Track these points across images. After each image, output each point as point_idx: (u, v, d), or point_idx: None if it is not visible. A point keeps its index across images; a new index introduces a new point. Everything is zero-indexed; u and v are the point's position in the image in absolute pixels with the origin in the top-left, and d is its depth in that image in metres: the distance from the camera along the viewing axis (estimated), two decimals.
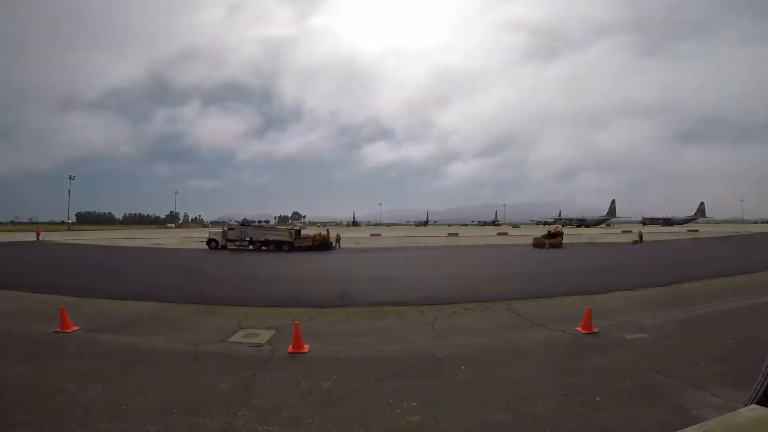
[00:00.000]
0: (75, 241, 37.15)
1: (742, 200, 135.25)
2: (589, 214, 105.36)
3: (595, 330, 6.49)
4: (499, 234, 56.20)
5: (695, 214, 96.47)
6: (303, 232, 30.34)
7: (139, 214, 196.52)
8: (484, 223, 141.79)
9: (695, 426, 1.02)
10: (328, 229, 32.87)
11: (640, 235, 34.53)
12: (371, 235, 51.13)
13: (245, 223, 33.76)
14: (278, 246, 26.96)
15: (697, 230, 60.07)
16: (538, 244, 28.84)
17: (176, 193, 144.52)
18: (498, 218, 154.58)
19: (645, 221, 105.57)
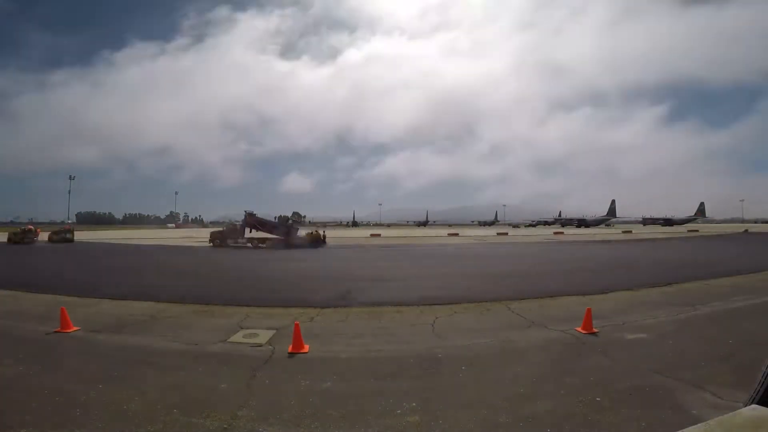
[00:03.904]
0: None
1: (742, 200, 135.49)
2: (589, 214, 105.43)
3: (595, 330, 6.49)
4: (499, 234, 56.23)
5: (695, 214, 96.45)
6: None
7: (138, 214, 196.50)
8: (484, 223, 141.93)
9: (695, 426, 1.02)
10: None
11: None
12: (371, 235, 51.16)
13: None
14: None
15: (697, 230, 60.12)
16: None
17: (176, 193, 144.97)
18: (498, 218, 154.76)
19: (645, 221, 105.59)
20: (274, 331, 6.70)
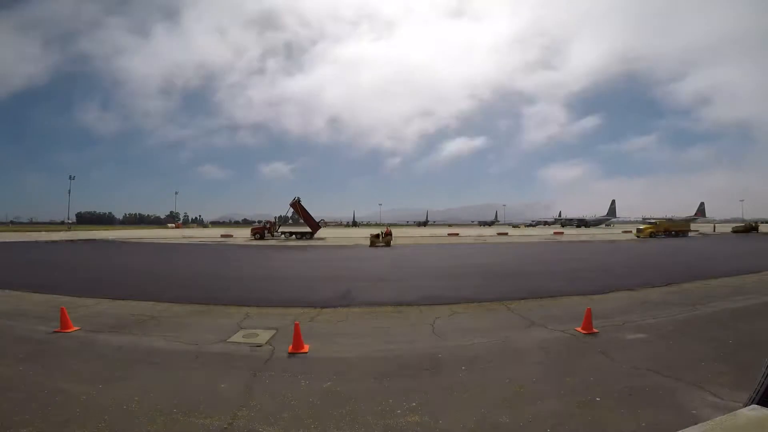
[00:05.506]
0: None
1: (742, 200, 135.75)
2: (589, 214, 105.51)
3: (595, 330, 6.49)
4: (499, 234, 56.23)
5: (695, 214, 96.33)
6: None
7: (139, 214, 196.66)
8: (484, 223, 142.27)
9: (695, 426, 1.02)
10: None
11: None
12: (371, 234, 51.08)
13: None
14: None
15: (697, 231, 60.05)
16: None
17: (176, 193, 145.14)
18: (498, 218, 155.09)
19: (645, 222, 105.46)
20: (274, 331, 6.70)
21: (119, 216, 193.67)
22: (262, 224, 47.12)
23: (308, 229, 41.89)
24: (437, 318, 7.65)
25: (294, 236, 40.79)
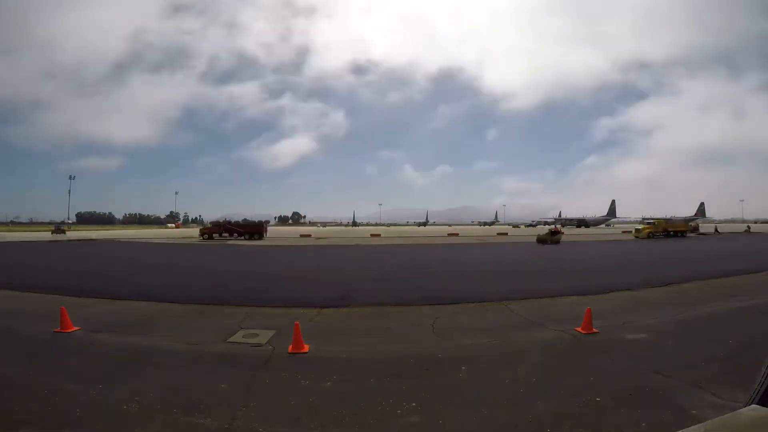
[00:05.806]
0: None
1: (743, 200, 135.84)
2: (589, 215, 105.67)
3: (595, 330, 6.48)
4: (499, 234, 56.25)
5: (695, 214, 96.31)
6: None
7: (139, 214, 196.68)
8: (485, 223, 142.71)
9: (695, 426, 1.02)
10: None
11: None
12: (371, 235, 51.18)
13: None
14: None
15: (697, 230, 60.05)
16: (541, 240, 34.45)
17: (176, 193, 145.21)
18: (498, 219, 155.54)
19: (644, 222, 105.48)
20: (274, 331, 6.69)
21: (119, 216, 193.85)
22: (213, 225, 51.23)
23: (248, 231, 46.35)
24: (437, 318, 7.65)
25: (244, 236, 44.44)
